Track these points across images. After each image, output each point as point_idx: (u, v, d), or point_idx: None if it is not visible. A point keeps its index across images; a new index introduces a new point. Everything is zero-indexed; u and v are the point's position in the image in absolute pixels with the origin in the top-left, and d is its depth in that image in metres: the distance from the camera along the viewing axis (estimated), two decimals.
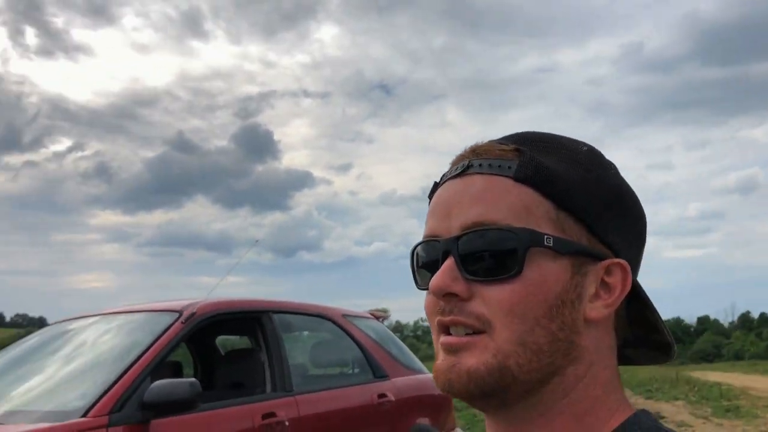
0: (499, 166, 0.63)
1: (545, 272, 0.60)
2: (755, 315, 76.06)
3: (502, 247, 0.60)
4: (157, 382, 3.20)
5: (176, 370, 4.49)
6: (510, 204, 0.61)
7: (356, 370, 4.87)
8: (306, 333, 5.42)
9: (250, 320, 4.24)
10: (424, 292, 0.65)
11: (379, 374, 4.69)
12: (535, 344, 0.59)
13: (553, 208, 0.61)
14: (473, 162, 0.64)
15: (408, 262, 0.68)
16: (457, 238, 0.61)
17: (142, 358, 3.35)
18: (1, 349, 4.23)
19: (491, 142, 0.67)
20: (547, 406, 0.61)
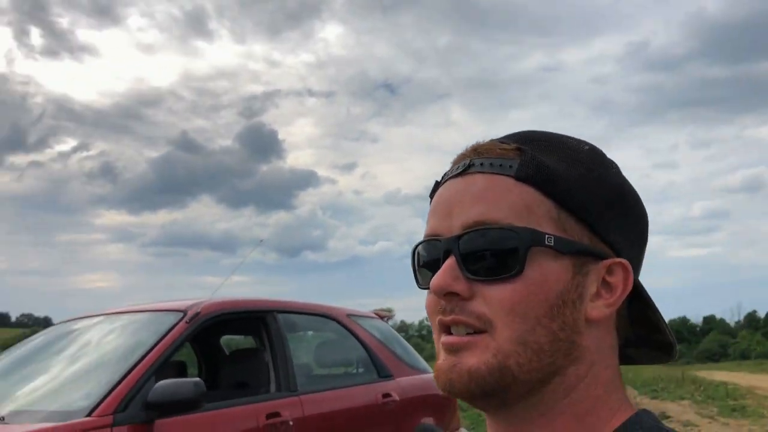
0: (501, 165, 0.62)
1: (546, 272, 0.60)
2: (761, 314, 75.99)
3: (504, 247, 0.60)
4: (162, 382, 3.21)
5: (181, 370, 4.51)
6: (511, 203, 0.61)
7: (361, 370, 4.86)
8: (310, 333, 5.42)
9: (255, 320, 4.24)
10: (426, 291, 0.65)
11: (384, 374, 4.69)
12: (536, 344, 0.59)
13: (555, 208, 0.61)
14: (474, 161, 0.64)
15: None
16: (459, 237, 0.61)
17: (147, 357, 3.36)
18: (6, 349, 4.24)
19: (492, 141, 0.67)
20: (548, 406, 0.61)
